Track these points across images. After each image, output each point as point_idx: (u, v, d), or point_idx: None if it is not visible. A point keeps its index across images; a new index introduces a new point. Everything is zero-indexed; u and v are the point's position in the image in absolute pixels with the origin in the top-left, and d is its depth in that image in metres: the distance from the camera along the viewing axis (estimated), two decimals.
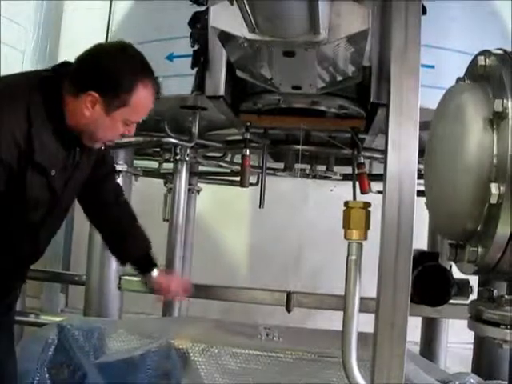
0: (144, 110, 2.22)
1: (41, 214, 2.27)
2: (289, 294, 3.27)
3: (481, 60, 1.69)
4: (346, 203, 1.60)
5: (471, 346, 3.92)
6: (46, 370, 3.00)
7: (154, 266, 2.70)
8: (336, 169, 4.70)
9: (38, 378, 2.97)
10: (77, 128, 2.18)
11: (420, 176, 1.77)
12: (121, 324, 3.18)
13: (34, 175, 2.13)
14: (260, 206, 3.61)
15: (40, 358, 3.00)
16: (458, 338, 5.21)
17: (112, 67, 2.13)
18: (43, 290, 6.08)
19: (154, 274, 2.69)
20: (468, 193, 1.50)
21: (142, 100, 2.17)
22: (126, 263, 2.80)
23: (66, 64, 2.25)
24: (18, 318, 4.28)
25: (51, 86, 2.16)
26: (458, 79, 1.85)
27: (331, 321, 3.85)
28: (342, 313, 3.51)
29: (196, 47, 3.02)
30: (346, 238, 1.58)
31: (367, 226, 1.60)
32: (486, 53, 1.70)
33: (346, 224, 1.58)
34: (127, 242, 2.69)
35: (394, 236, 1.91)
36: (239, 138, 3.93)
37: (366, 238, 1.60)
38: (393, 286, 2.00)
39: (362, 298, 1.90)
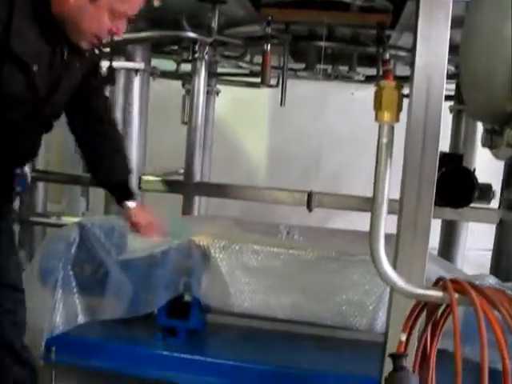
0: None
1: (22, 115, 2.13)
2: (310, 193, 3.25)
3: None
4: (378, 84, 1.52)
5: (488, 253, 3.92)
6: (69, 267, 3.03)
7: (131, 196, 2.62)
8: (358, 70, 4.57)
9: (62, 276, 3.01)
10: (61, 16, 2.03)
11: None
12: None
13: (12, 69, 1.99)
14: (281, 104, 3.52)
15: (63, 256, 3.02)
16: (475, 244, 5.22)
17: None
18: (64, 194, 6.14)
19: (130, 205, 2.60)
20: (507, 73, 1.41)
21: None
22: (103, 186, 2.73)
23: None
24: (40, 219, 4.38)
25: None
26: None
27: (352, 223, 3.84)
28: (362, 214, 3.51)
29: None
30: (376, 119, 1.51)
31: (399, 108, 1.52)
32: None
33: (378, 105, 1.50)
34: (107, 164, 2.59)
35: (420, 134, 1.85)
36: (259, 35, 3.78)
37: (398, 120, 1.53)
38: (417, 185, 1.95)
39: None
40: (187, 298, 3.04)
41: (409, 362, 1.53)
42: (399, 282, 1.54)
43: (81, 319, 3.04)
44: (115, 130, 2.69)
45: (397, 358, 1.49)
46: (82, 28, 2.06)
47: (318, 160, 6.13)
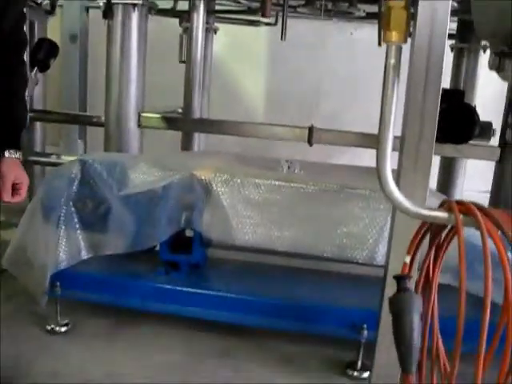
0: None
1: None
2: (311, 128, 3.23)
3: None
4: (386, 3, 1.49)
5: (486, 195, 3.93)
6: (71, 204, 3.04)
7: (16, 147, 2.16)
8: (359, 6, 4.47)
9: (64, 212, 3.02)
10: None
11: None
12: (142, 158, 3.17)
13: None
14: (282, 38, 3.46)
15: (65, 193, 3.02)
16: (473, 186, 5.23)
17: None
18: (61, 136, 6.10)
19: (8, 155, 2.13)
20: None
21: None
22: None
23: None
24: (39, 159, 4.36)
25: None
26: None
27: (352, 160, 3.84)
28: (363, 151, 3.50)
29: None
30: (384, 40, 1.49)
31: (408, 28, 1.50)
32: None
33: (386, 25, 1.48)
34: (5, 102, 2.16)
35: (422, 71, 1.83)
36: None
37: (405, 41, 1.51)
38: (419, 120, 1.95)
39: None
40: (189, 232, 3.07)
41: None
42: (405, 202, 1.54)
43: (84, 254, 3.06)
44: (17, 76, 2.24)
45: (401, 279, 1.51)
46: None
47: (317, 100, 6.08)
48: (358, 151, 4.17)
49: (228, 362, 2.87)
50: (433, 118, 1.92)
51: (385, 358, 2.44)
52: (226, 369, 2.82)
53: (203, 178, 2.89)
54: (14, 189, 2.12)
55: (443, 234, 1.61)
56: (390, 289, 2.32)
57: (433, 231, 1.62)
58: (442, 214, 1.53)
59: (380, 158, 1.55)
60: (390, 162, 1.59)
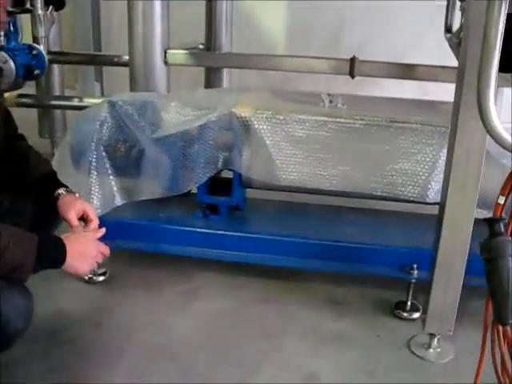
0: None
1: None
2: (352, 59, 3.02)
3: None
4: None
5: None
6: (102, 148, 2.89)
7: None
8: None
9: (95, 157, 2.87)
10: None
11: None
12: (174, 97, 2.97)
13: None
14: None
15: (95, 137, 2.87)
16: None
17: None
18: (78, 79, 5.92)
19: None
20: None
21: None
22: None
23: None
24: (60, 102, 4.19)
25: None
26: None
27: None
28: (405, 83, 3.30)
29: None
30: None
31: None
32: None
33: None
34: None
35: None
36: None
37: None
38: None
39: None
40: (228, 174, 2.93)
41: None
42: (508, 137, 1.37)
43: (118, 201, 2.93)
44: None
45: (495, 222, 1.36)
46: None
47: (340, 32, 5.79)
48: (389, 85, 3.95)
49: (274, 307, 2.77)
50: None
51: (441, 298, 2.37)
52: (273, 313, 2.73)
53: (243, 115, 2.72)
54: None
55: None
56: (447, 230, 2.24)
57: None
58: None
59: (481, 87, 1.37)
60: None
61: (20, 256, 1.75)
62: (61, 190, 2.19)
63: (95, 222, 2.19)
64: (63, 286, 2.82)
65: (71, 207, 2.14)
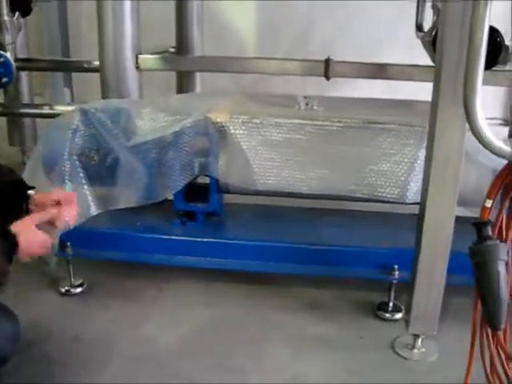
0: None
1: None
2: (327, 60, 2.99)
3: None
4: None
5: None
6: (75, 157, 2.82)
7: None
8: None
9: (68, 167, 2.80)
10: None
11: None
12: (147, 103, 2.92)
13: None
14: None
15: (67, 146, 2.80)
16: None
17: None
18: (46, 86, 5.81)
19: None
20: None
21: None
22: None
23: None
24: (30, 110, 4.10)
25: None
26: None
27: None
28: (376, 82, 3.28)
29: None
30: None
31: None
32: None
33: None
34: None
35: None
36: None
37: None
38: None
39: None
40: (204, 180, 2.89)
41: None
42: (495, 141, 1.36)
43: (93, 211, 2.86)
44: None
45: (483, 225, 1.35)
46: None
47: (309, 30, 5.76)
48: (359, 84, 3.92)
49: (256, 313, 2.75)
50: None
51: (424, 298, 2.37)
52: (256, 319, 2.71)
53: (218, 120, 2.68)
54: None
55: None
56: (428, 229, 2.23)
57: None
58: None
59: (468, 92, 1.35)
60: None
61: None
62: (32, 192, 2.10)
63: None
64: (37, 298, 2.77)
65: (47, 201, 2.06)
